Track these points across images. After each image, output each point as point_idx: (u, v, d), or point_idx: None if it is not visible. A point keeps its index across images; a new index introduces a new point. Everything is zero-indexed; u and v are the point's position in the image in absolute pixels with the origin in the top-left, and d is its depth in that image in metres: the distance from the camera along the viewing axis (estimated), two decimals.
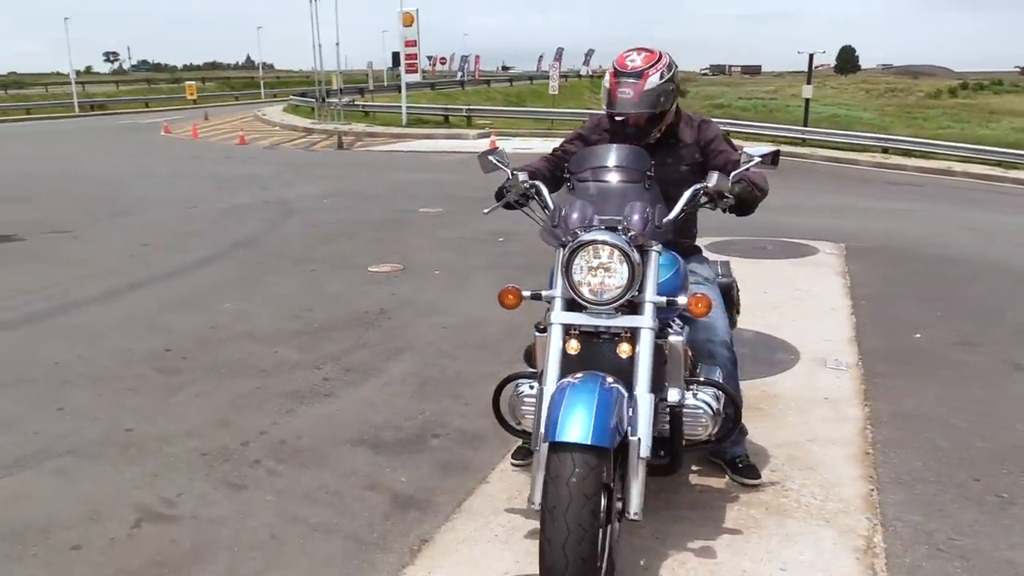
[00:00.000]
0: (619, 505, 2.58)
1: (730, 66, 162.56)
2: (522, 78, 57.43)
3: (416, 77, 46.46)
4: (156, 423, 4.13)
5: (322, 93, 28.65)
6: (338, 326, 5.68)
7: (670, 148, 3.25)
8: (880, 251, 8.12)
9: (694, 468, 3.53)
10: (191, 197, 12.31)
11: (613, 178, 2.87)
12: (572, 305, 2.75)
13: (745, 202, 3.01)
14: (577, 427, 2.32)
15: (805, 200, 11.97)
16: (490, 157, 3.09)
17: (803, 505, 3.24)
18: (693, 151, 3.28)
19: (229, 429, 4.04)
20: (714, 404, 2.90)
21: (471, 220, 9.33)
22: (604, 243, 2.64)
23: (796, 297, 6.22)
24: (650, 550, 2.93)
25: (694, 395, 2.91)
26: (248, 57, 68.27)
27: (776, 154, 3.00)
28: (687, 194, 2.92)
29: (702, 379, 2.99)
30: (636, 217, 2.71)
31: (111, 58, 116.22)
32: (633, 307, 2.72)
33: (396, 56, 48.25)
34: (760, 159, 2.95)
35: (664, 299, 2.71)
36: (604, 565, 2.48)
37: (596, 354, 2.73)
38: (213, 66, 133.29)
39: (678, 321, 2.99)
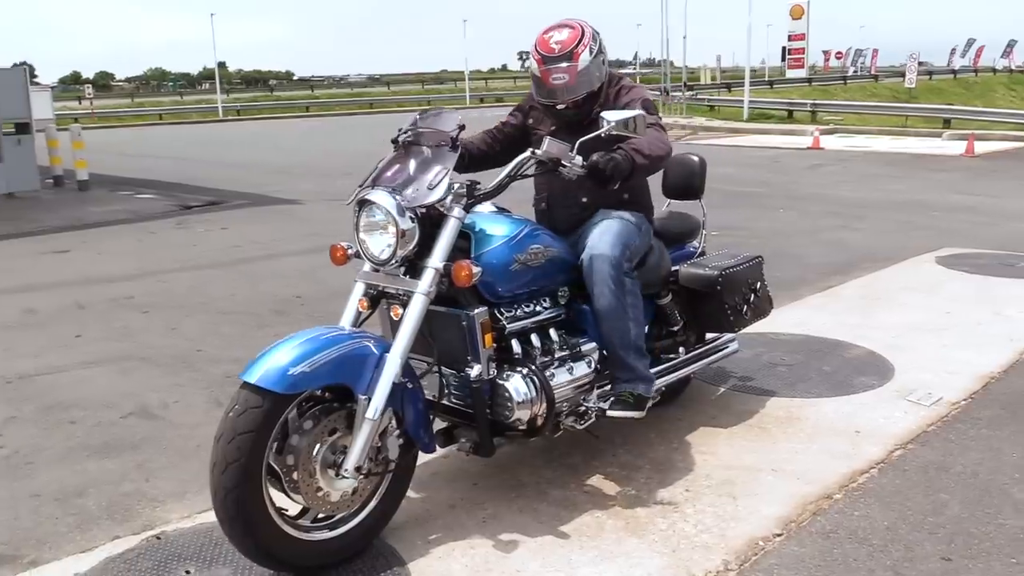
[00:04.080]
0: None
1: None
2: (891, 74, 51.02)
3: (801, 72, 44.40)
4: (224, 350, 4.91)
5: (666, 87, 28.89)
6: None
7: (591, 117, 3.07)
8: None
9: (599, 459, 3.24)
10: None
11: (421, 139, 2.84)
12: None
13: (603, 172, 2.78)
14: (256, 369, 2.41)
15: None
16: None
17: (665, 529, 2.82)
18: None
19: None
20: (522, 389, 2.75)
21: (716, 212, 8.97)
22: (372, 203, 2.66)
23: (978, 322, 5.02)
24: (458, 532, 2.85)
25: (503, 376, 2.78)
26: (636, 55, 70.61)
27: (636, 119, 2.79)
28: (515, 160, 2.84)
29: (520, 362, 2.84)
30: (412, 180, 2.69)
31: (523, 56, 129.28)
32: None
33: (784, 51, 46.61)
34: (612, 124, 2.77)
35: (441, 265, 2.64)
36: (371, 510, 2.68)
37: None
38: (619, 64, 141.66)
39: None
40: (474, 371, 2.75)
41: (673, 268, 3.51)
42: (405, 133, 2.89)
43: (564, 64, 2.98)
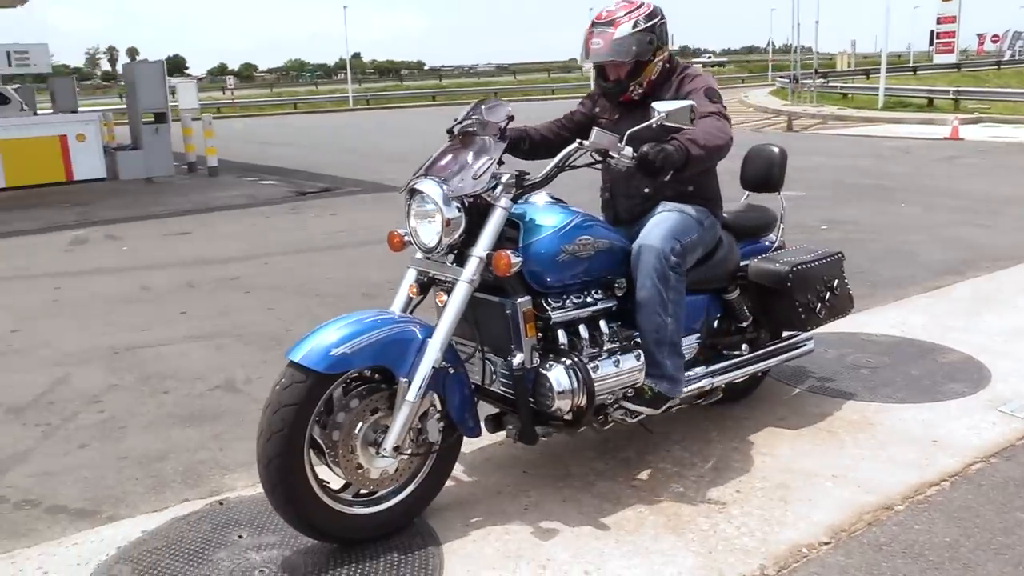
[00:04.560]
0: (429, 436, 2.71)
1: None
2: None
3: (951, 57, 41.64)
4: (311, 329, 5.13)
5: (796, 74, 27.69)
6: None
7: (647, 108, 3.00)
8: None
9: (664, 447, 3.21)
10: None
11: (475, 130, 2.88)
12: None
13: (652, 163, 2.73)
14: (301, 348, 2.54)
15: None
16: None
17: (707, 529, 2.76)
18: None
19: None
20: (563, 380, 2.76)
21: (830, 205, 8.73)
22: (421, 192, 2.73)
23: None
24: (500, 518, 2.90)
25: (546, 366, 2.79)
26: (770, 41, 68.24)
27: (689, 109, 2.76)
28: (565, 151, 2.85)
29: (565, 352, 2.84)
30: (461, 169, 2.74)
31: None
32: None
33: (933, 35, 43.75)
34: (663, 115, 2.75)
35: (485, 254, 2.68)
36: (412, 490, 2.77)
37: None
38: (750, 50, 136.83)
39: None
40: (516, 359, 2.77)
41: (743, 263, 3.41)
42: (460, 123, 2.94)
43: (604, 29, 3.03)
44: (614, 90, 3.15)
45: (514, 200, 2.79)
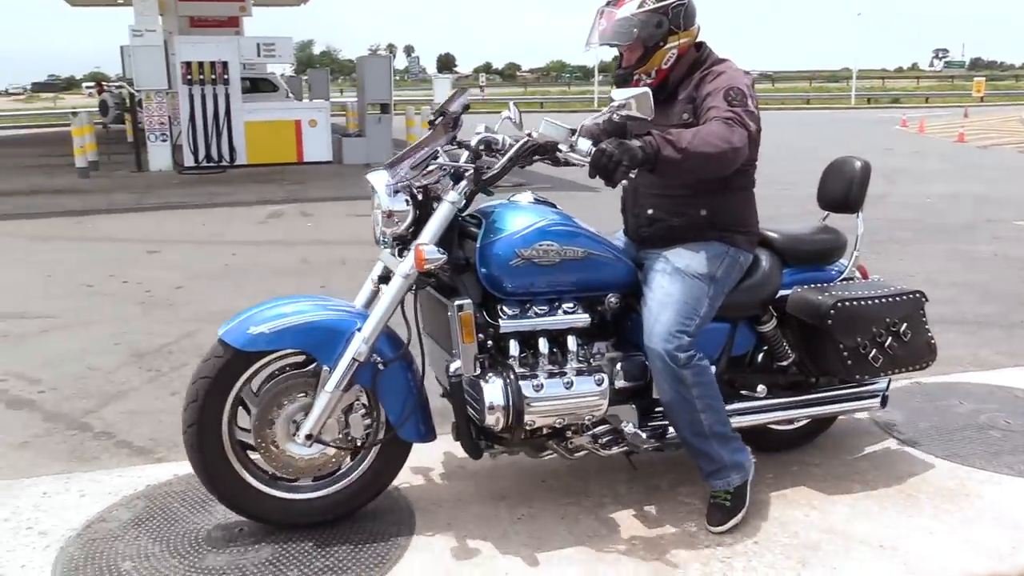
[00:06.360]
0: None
1: None
2: None
3: None
4: None
5: None
6: None
7: (667, 103, 2.77)
8: None
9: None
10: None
11: (446, 120, 2.72)
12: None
13: (597, 163, 2.40)
14: (228, 324, 2.58)
15: None
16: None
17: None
18: (685, 106, 2.74)
19: None
20: (493, 394, 2.52)
21: None
22: (370, 184, 2.62)
23: None
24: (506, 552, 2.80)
25: (486, 376, 2.56)
26: None
27: (647, 97, 2.45)
28: (516, 145, 2.61)
29: (507, 366, 2.60)
30: (410, 160, 2.60)
31: (940, 55, 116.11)
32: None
33: None
34: (618, 104, 2.48)
35: (439, 251, 2.48)
36: (346, 484, 2.71)
37: None
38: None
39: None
40: (453, 365, 2.62)
41: (786, 292, 2.95)
42: (437, 114, 2.79)
43: (607, 9, 2.75)
44: (621, 79, 2.81)
45: (470, 196, 2.60)
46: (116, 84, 22.50)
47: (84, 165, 12.50)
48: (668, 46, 2.72)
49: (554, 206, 2.80)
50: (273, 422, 2.60)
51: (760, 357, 3.05)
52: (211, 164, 13.15)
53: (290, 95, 18.67)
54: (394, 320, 2.62)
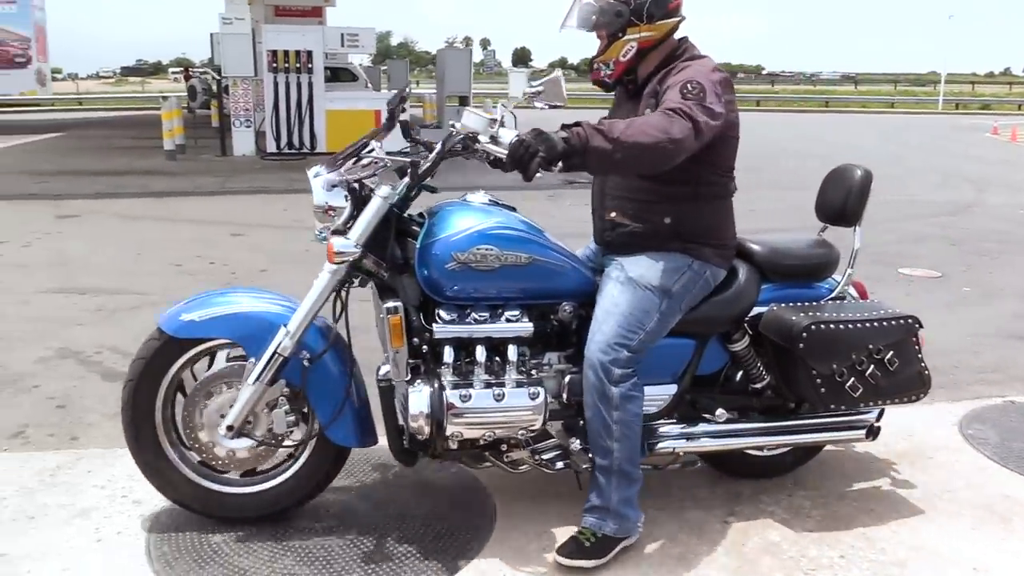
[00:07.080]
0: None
1: None
2: None
3: None
4: None
5: None
6: None
7: (636, 99, 2.65)
8: None
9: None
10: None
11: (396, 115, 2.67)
12: None
13: (513, 154, 2.20)
14: (165, 310, 2.62)
15: None
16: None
17: None
18: (648, 101, 2.55)
19: None
20: (418, 401, 2.45)
21: None
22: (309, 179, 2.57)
23: None
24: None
25: (415, 383, 2.49)
26: None
27: (557, 83, 2.47)
28: (445, 138, 2.52)
29: (435, 373, 2.52)
30: (351, 159, 2.54)
31: None
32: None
33: None
34: (536, 89, 2.49)
35: (353, 244, 2.42)
36: (274, 484, 2.70)
37: None
38: None
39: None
40: (382, 369, 2.59)
41: (761, 309, 2.75)
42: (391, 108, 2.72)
43: None
44: (589, 67, 2.72)
45: (409, 191, 2.53)
46: (201, 70, 23.22)
47: (172, 148, 12.92)
48: (627, 38, 2.56)
49: (513, 209, 2.68)
50: (202, 411, 2.60)
51: (738, 377, 2.87)
52: (292, 151, 13.45)
53: (368, 85, 18.97)
54: (367, 322, 2.62)
